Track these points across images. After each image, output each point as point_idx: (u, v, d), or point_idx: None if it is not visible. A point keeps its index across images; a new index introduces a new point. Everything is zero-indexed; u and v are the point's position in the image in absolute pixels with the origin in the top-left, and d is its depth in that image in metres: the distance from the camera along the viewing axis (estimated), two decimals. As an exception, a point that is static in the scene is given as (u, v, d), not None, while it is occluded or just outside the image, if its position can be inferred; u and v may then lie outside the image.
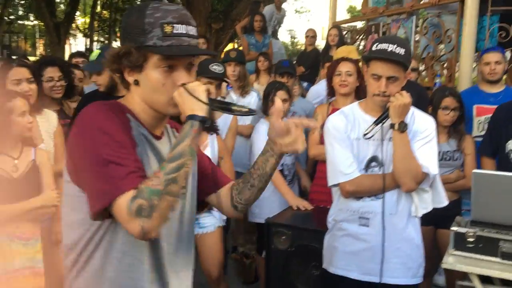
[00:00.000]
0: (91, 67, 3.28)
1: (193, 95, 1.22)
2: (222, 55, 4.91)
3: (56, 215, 2.58)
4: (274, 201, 3.29)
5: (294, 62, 5.86)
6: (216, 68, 3.05)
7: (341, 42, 5.76)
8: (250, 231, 3.96)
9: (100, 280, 1.27)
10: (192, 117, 1.21)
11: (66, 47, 18.01)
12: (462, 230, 2.38)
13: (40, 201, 2.41)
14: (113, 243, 1.26)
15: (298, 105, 4.07)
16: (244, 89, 4.23)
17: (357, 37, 6.80)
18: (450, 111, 3.12)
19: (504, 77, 4.12)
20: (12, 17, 22.40)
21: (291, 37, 29.12)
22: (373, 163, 2.20)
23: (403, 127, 2.11)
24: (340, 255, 2.25)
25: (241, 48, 7.15)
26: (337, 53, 4.36)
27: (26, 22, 24.19)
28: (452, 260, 2.34)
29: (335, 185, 2.25)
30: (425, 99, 3.47)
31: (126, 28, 1.27)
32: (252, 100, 4.25)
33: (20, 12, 22.83)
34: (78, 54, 5.47)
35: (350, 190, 2.19)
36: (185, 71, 1.28)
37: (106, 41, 21.99)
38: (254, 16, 6.36)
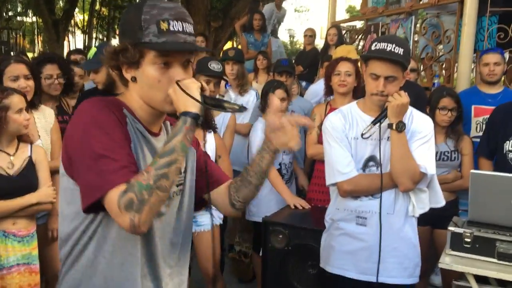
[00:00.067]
0: (88, 65, 3.27)
1: (186, 92, 1.23)
2: (221, 54, 4.91)
3: (52, 211, 2.58)
4: (272, 199, 3.29)
5: (293, 61, 5.86)
6: (214, 66, 3.05)
7: (340, 41, 5.76)
8: (247, 230, 3.96)
9: (92, 272, 1.29)
10: (185, 113, 1.22)
11: (65, 44, 17.97)
12: (459, 230, 2.38)
13: (36, 197, 2.40)
14: (106, 236, 1.28)
15: (296, 104, 4.07)
16: (242, 88, 4.23)
17: (356, 37, 6.81)
18: (447, 111, 3.12)
19: (503, 78, 4.12)
20: (10, 13, 22.34)
21: (290, 36, 29.09)
22: (371, 163, 2.21)
23: (401, 127, 2.11)
24: (337, 254, 2.25)
25: (240, 46, 7.15)
26: (336, 53, 4.37)
27: (25, 19, 24.13)
28: (449, 260, 2.35)
29: (333, 184, 2.25)
30: (423, 100, 3.47)
31: (124, 25, 1.29)
32: (250, 98, 4.25)
33: (19, 9, 22.77)
34: (76, 51, 5.46)
35: (348, 189, 2.18)
36: (182, 68, 1.28)
37: (105, 39, 21.95)
38: (253, 15, 6.36)
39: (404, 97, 2.11)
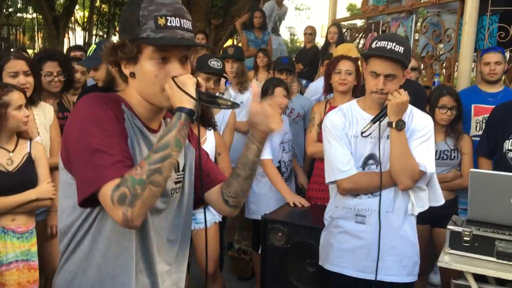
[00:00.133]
0: (87, 63, 3.27)
1: (180, 88, 1.23)
2: (221, 51, 4.90)
3: (52, 208, 2.58)
4: (271, 197, 3.29)
5: (293, 59, 5.85)
6: (215, 63, 3.05)
7: (341, 40, 5.76)
8: (246, 228, 3.96)
9: (87, 266, 1.31)
10: (179, 109, 1.23)
11: (65, 40, 17.96)
12: (458, 229, 2.38)
13: (35, 194, 2.40)
14: (101, 230, 1.29)
15: (296, 102, 4.07)
16: (242, 86, 4.22)
17: (357, 35, 6.80)
18: (447, 110, 3.12)
19: (503, 77, 4.12)
20: (10, 9, 22.31)
21: (291, 34, 29.08)
22: (371, 161, 2.20)
23: (400, 125, 2.11)
24: (336, 252, 2.25)
25: (240, 44, 7.14)
26: (337, 51, 4.36)
27: (25, 15, 24.12)
28: (448, 259, 2.35)
29: (332, 182, 2.25)
30: (424, 98, 3.47)
31: (123, 21, 1.30)
32: (250, 96, 4.23)
33: (19, 5, 22.75)
34: (76, 47, 5.44)
35: (347, 187, 2.18)
36: (179, 63, 1.29)
37: (105, 36, 21.93)
38: (254, 13, 6.35)
39: (404, 96, 2.11)
